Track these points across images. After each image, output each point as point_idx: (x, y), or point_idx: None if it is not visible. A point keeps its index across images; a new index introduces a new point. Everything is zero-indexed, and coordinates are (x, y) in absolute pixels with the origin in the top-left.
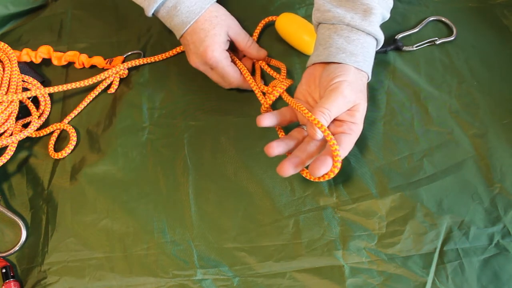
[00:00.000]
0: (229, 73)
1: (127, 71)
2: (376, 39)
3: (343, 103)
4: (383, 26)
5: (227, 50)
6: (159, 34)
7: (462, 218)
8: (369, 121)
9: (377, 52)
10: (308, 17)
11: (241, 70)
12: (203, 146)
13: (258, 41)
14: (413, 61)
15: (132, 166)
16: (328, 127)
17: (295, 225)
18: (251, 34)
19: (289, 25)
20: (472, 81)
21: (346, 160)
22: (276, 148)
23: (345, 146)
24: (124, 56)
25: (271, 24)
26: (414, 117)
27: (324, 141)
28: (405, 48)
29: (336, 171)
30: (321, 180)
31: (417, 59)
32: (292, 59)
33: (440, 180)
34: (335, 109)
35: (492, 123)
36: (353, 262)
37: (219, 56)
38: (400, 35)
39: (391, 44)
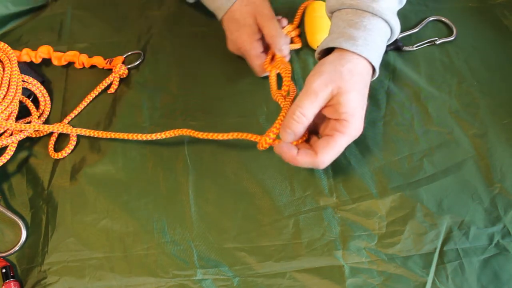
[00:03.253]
0: (253, 65)
1: (127, 71)
2: (387, 22)
3: (311, 100)
4: None
5: (261, 39)
6: (159, 34)
7: (462, 218)
8: (369, 121)
9: None
10: None
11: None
12: (203, 146)
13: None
14: (413, 61)
15: (132, 166)
16: (318, 124)
17: (295, 225)
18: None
19: (311, 15)
20: (472, 81)
21: (346, 160)
22: None
23: (324, 150)
24: (124, 56)
25: None
26: (414, 117)
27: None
28: (405, 48)
29: (261, 147)
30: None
31: (417, 59)
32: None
33: (440, 180)
34: (307, 107)
35: (492, 123)
36: (353, 262)
37: (247, 47)
38: (400, 35)
39: (391, 44)
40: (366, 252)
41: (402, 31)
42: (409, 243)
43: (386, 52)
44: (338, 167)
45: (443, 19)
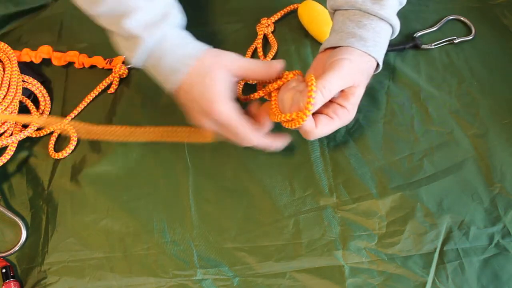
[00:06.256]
0: (242, 130)
1: (127, 71)
2: (391, 25)
3: (338, 79)
4: None
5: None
6: None
7: (462, 218)
8: (369, 121)
9: (395, 50)
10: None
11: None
12: (203, 146)
13: (277, 29)
14: (413, 61)
15: (132, 166)
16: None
17: (295, 225)
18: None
19: (310, 13)
20: (472, 81)
21: (346, 160)
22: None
23: (321, 127)
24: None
25: (294, 12)
26: (414, 117)
27: None
28: (423, 46)
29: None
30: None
31: (417, 59)
32: (306, 49)
33: (440, 180)
34: (330, 85)
35: (492, 123)
36: (353, 262)
37: (227, 109)
38: (419, 33)
39: (410, 42)
40: (366, 252)
41: (403, 30)
42: (409, 243)
43: (403, 49)
44: (338, 167)
45: (462, 19)
